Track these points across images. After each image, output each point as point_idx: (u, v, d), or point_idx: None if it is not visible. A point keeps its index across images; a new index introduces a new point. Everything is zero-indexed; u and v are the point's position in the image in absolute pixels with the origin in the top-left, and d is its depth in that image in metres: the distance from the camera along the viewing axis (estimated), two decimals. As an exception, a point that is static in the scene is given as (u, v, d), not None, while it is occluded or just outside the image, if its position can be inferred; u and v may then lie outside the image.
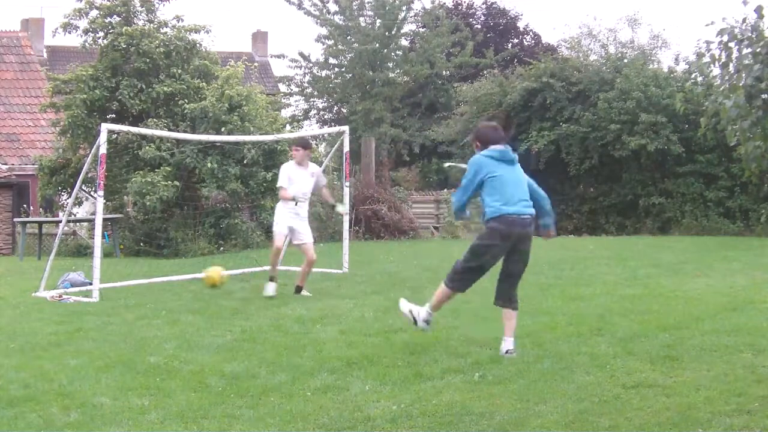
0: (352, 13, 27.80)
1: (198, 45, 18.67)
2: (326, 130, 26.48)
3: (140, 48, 17.49)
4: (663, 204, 21.52)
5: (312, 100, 30.59)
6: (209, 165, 16.61)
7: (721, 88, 15.45)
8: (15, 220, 19.12)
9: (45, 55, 30.92)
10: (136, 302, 9.22)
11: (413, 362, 5.93)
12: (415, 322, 6.44)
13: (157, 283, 11.27)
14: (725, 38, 14.73)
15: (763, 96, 14.47)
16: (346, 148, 12.60)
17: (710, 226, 20.29)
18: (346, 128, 12.99)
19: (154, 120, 17.20)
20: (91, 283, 10.02)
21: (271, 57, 34.24)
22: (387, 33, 28.10)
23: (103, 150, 9.94)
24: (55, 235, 12.60)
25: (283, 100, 28.57)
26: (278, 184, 9.76)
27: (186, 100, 17.59)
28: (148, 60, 17.57)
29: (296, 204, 9.52)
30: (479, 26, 34.63)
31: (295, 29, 70.47)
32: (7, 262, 16.09)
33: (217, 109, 16.85)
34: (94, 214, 13.09)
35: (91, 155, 11.33)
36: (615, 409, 4.73)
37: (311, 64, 29.08)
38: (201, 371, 5.82)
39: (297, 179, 9.67)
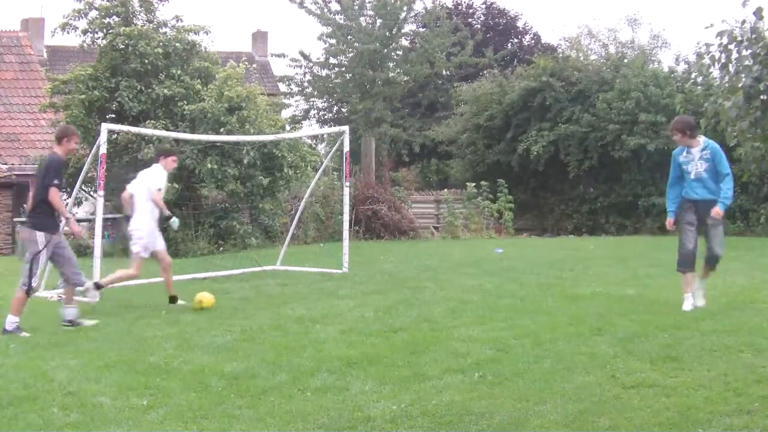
0: (353, 13, 27.79)
1: (197, 45, 18.66)
2: (326, 130, 26.48)
3: (137, 50, 17.48)
4: (663, 204, 21.48)
5: (312, 100, 30.56)
6: (209, 165, 16.61)
7: (720, 90, 15.46)
8: (15, 219, 19.11)
9: (45, 55, 30.91)
10: (136, 302, 9.22)
11: (413, 362, 5.93)
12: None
13: (157, 283, 11.25)
14: (725, 40, 14.74)
15: (762, 97, 14.48)
16: (346, 148, 12.60)
17: (710, 226, 20.28)
18: (346, 128, 12.99)
19: (152, 122, 17.18)
20: (91, 283, 9.99)
21: (271, 56, 34.22)
22: (388, 33, 28.08)
23: (103, 150, 9.94)
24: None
25: (284, 100, 28.54)
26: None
27: (185, 101, 17.59)
28: (146, 61, 17.56)
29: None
30: (479, 26, 34.65)
31: (295, 29, 70.57)
32: (7, 262, 16.08)
33: (216, 110, 16.85)
34: (94, 214, 13.09)
35: (91, 155, 11.32)
36: (615, 409, 4.73)
37: (311, 64, 29.06)
38: (201, 371, 5.82)
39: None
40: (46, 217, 7.60)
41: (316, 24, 28.35)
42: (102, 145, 9.93)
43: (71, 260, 7.89)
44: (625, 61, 24.07)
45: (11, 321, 7.50)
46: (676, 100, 18.98)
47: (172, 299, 8.97)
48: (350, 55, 28.29)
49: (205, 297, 8.74)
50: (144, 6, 18.78)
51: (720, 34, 14.71)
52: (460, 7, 35.44)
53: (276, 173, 17.39)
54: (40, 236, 7.57)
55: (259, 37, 36.67)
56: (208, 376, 5.69)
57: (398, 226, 19.32)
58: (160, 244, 9.07)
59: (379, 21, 27.99)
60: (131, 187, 8.99)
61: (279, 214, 18.25)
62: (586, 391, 5.07)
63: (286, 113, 28.15)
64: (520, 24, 36.14)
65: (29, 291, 7.61)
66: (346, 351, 6.33)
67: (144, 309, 8.74)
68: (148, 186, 8.84)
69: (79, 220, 18.45)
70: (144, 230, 8.83)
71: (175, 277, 11.61)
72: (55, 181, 7.54)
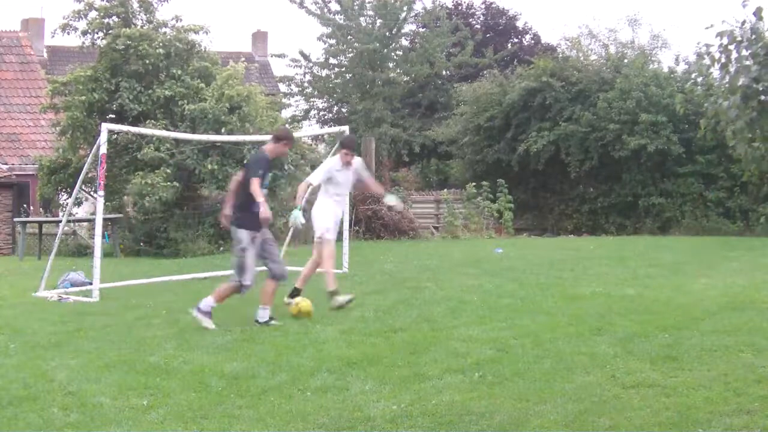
0: (353, 13, 27.80)
1: (197, 45, 18.65)
2: (326, 130, 26.47)
3: (138, 51, 17.46)
4: (663, 204, 21.51)
5: (312, 100, 30.59)
6: (209, 166, 16.60)
7: (720, 90, 15.46)
8: (15, 220, 19.11)
9: (45, 55, 30.92)
10: (136, 302, 9.22)
11: (413, 362, 5.93)
12: None
13: (157, 283, 11.27)
14: (725, 41, 14.75)
15: (761, 97, 14.49)
16: (346, 148, 12.57)
17: (710, 226, 20.30)
18: (346, 128, 12.99)
19: (152, 122, 17.17)
20: (91, 283, 10.02)
21: (272, 56, 34.23)
22: (387, 33, 28.11)
23: (103, 150, 9.94)
24: (55, 235, 12.59)
25: (283, 100, 28.54)
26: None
27: (186, 101, 17.58)
28: (147, 62, 17.55)
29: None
30: (479, 26, 34.67)
31: (295, 29, 70.59)
32: (7, 262, 16.08)
33: (217, 110, 16.84)
34: (94, 214, 13.10)
35: (91, 155, 11.33)
36: (615, 409, 4.73)
37: (311, 64, 29.08)
38: (201, 371, 5.82)
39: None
40: (247, 215, 7.58)
41: (316, 24, 28.43)
42: (102, 145, 9.93)
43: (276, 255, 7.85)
44: (625, 61, 24.06)
45: (263, 312, 7.62)
46: (676, 99, 19.00)
47: (296, 292, 8.70)
48: (350, 55, 28.32)
49: (304, 305, 8.29)
50: (143, 6, 18.76)
51: (720, 34, 14.72)
52: (460, 7, 35.45)
53: (277, 171, 17.39)
54: (243, 233, 7.58)
55: (259, 37, 36.68)
56: (208, 376, 5.69)
57: (398, 226, 19.32)
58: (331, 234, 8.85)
59: (379, 21, 28.02)
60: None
61: (280, 213, 18.25)
62: (586, 391, 5.08)
63: (286, 113, 28.16)
64: (520, 24, 36.18)
65: (242, 287, 7.67)
66: (346, 351, 6.33)
67: (144, 309, 8.74)
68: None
69: (79, 220, 18.59)
70: (319, 217, 8.74)
71: (175, 277, 11.69)
72: (260, 172, 7.56)
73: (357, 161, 9.04)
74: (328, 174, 8.80)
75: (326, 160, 9.20)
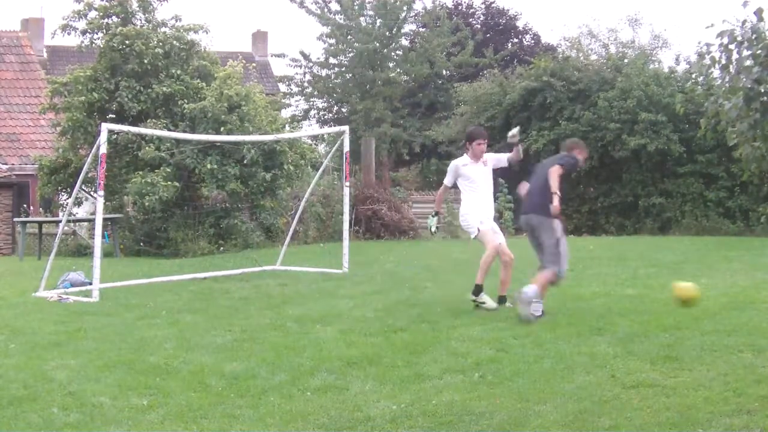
0: (353, 13, 27.81)
1: (197, 45, 18.66)
2: (326, 130, 26.49)
3: (134, 49, 17.46)
4: (663, 204, 21.49)
5: (312, 100, 30.59)
6: (209, 165, 16.60)
7: (721, 90, 15.43)
8: (15, 220, 19.12)
9: (45, 55, 30.91)
10: (136, 302, 9.22)
11: (413, 362, 5.94)
12: None
13: (157, 283, 11.26)
14: (725, 40, 14.73)
15: (762, 99, 14.47)
16: (346, 148, 12.59)
17: (710, 226, 20.27)
18: (346, 128, 12.98)
19: (153, 121, 17.19)
20: (91, 283, 10.01)
21: (272, 56, 34.25)
22: (387, 33, 28.11)
23: (103, 150, 9.93)
24: (55, 235, 12.58)
25: (283, 100, 28.55)
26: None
27: (185, 100, 17.58)
28: (145, 61, 17.55)
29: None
30: (479, 26, 34.67)
31: (295, 29, 70.58)
32: (7, 262, 16.08)
33: (217, 109, 16.85)
34: (94, 214, 13.10)
35: (91, 155, 11.32)
36: (615, 409, 4.73)
37: (311, 64, 29.09)
38: (201, 371, 5.82)
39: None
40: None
41: (316, 24, 28.43)
42: (102, 145, 9.92)
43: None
44: (626, 61, 24.05)
45: (537, 308, 7.34)
46: (676, 99, 18.98)
47: (502, 299, 8.39)
48: (350, 55, 28.32)
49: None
50: (142, 6, 18.76)
51: (720, 34, 14.70)
52: (460, 7, 35.46)
53: (276, 171, 17.40)
54: (557, 223, 7.63)
55: (259, 37, 36.68)
56: (208, 376, 5.69)
57: (398, 226, 19.31)
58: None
59: (379, 21, 28.02)
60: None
61: (280, 212, 18.27)
62: (586, 391, 5.08)
63: (286, 113, 28.16)
64: (520, 24, 36.19)
65: (560, 277, 7.60)
66: (346, 351, 6.33)
67: (144, 309, 8.74)
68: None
69: (79, 220, 18.59)
70: (465, 218, 8.67)
71: (175, 277, 11.67)
72: (565, 166, 7.70)
73: (489, 157, 9.00)
74: (456, 172, 8.69)
75: (453, 161, 8.97)
